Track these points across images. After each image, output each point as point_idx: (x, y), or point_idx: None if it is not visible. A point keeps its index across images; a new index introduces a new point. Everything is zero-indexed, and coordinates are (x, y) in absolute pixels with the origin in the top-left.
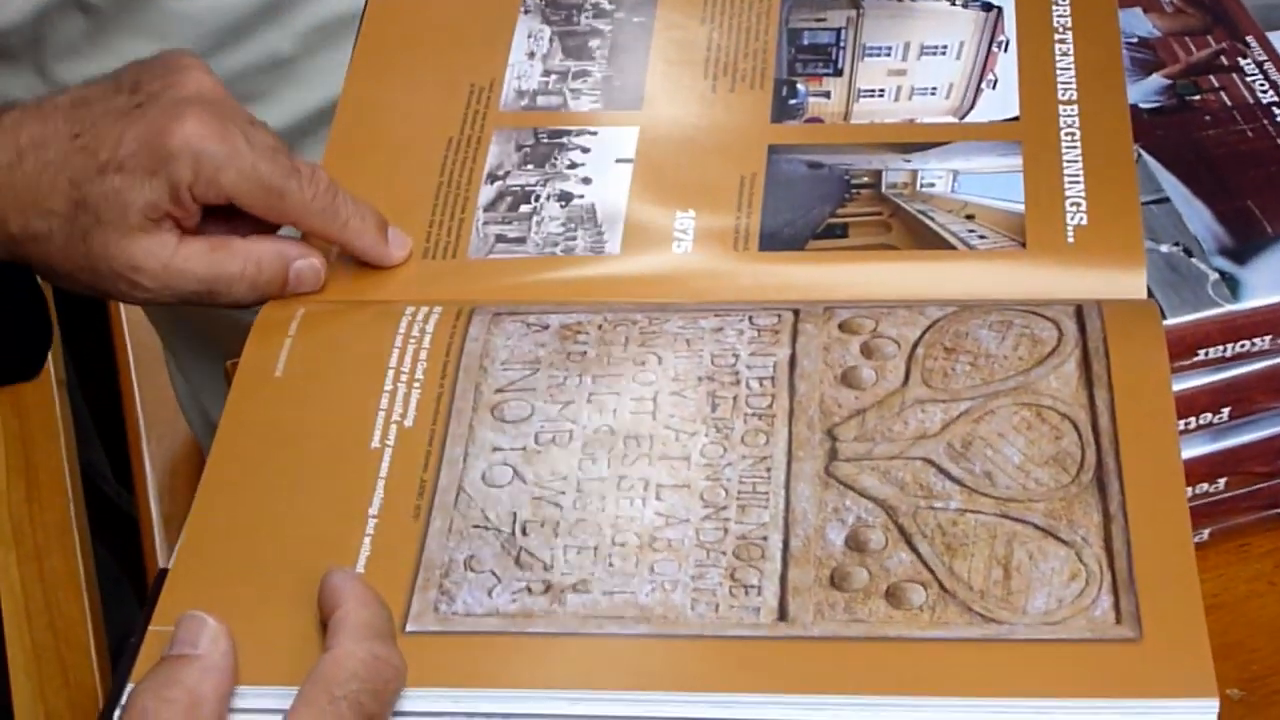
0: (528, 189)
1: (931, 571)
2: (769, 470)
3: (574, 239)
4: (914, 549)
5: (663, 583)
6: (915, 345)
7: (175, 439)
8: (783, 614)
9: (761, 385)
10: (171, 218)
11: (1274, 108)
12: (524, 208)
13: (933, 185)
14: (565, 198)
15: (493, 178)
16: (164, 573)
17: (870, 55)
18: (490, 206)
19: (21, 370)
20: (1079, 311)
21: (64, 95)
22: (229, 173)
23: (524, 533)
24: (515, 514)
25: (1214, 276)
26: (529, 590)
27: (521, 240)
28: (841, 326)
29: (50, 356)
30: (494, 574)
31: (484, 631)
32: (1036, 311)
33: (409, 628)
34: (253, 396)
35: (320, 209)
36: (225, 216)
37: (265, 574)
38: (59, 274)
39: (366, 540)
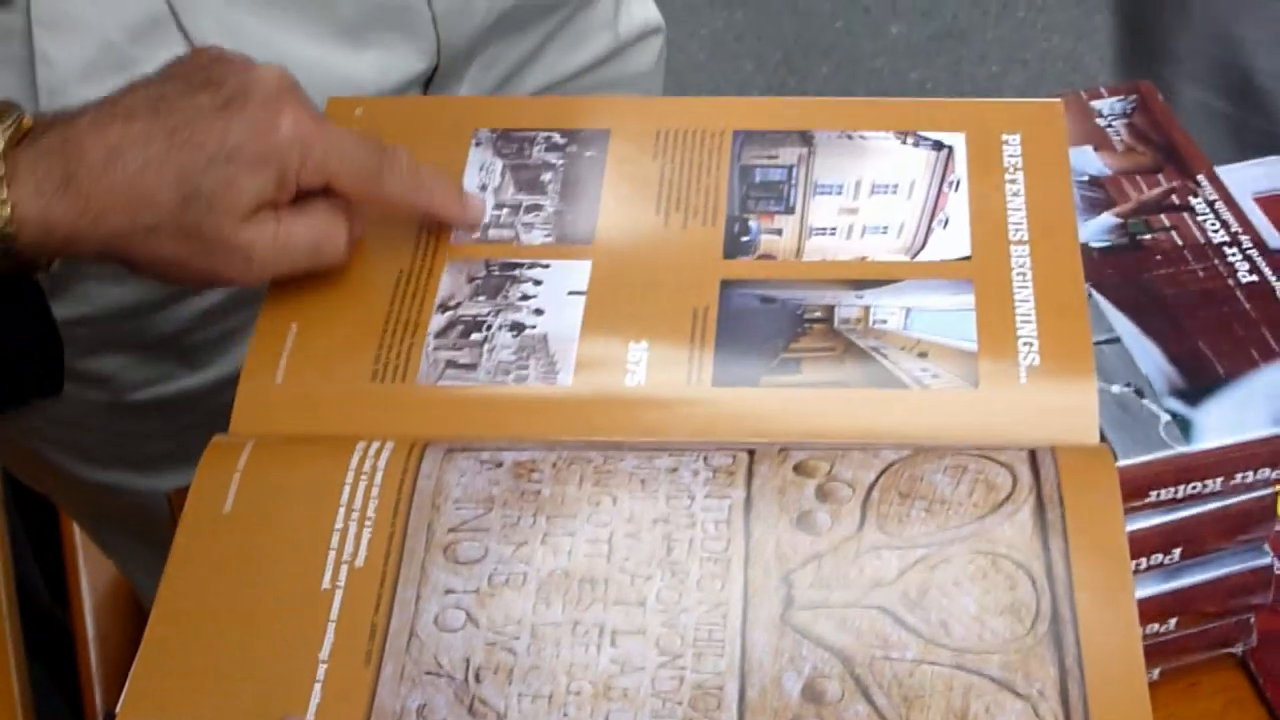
0: (479, 318)
1: None
2: (724, 616)
3: (526, 367)
4: (870, 701)
5: None
6: (870, 489)
7: None
8: None
9: (717, 528)
10: (273, 202)
11: (1225, 247)
12: (475, 335)
13: (885, 321)
14: (517, 328)
15: (444, 307)
16: (111, 717)
17: (821, 193)
18: (441, 333)
19: (41, 387)
20: (1033, 457)
21: (130, 96)
22: (332, 159)
23: (477, 679)
24: (468, 660)
25: (1165, 418)
26: None
27: (473, 367)
28: (797, 468)
29: None
30: None
31: None
32: (991, 457)
33: None
34: (201, 533)
35: (411, 185)
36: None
37: None
38: (167, 262)
39: (317, 687)
